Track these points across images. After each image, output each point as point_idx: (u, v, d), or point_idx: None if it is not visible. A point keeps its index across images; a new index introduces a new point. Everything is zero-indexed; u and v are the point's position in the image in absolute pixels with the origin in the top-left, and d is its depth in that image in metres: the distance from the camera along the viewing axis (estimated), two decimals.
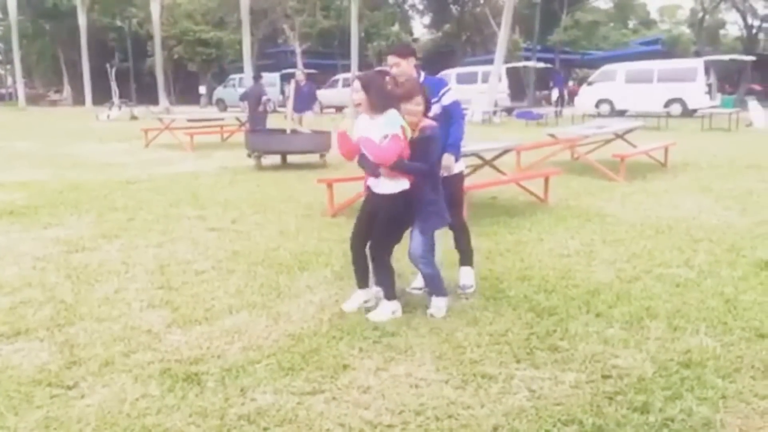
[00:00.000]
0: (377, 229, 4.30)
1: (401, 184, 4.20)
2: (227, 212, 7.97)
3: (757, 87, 32.02)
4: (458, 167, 4.86)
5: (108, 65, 38.96)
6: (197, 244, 6.42)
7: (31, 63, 53.21)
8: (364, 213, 4.48)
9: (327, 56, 49.39)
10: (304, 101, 14.37)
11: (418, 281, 4.84)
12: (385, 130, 4.11)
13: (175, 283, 5.16)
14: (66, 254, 6.04)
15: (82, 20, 41.47)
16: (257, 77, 16.08)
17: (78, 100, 46.42)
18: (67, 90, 51.52)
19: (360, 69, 32.56)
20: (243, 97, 16.27)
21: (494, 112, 26.40)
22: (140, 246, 6.34)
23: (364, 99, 4.20)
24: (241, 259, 5.85)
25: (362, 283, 4.54)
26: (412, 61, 4.67)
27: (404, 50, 4.70)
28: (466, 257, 5.02)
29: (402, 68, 4.60)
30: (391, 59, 4.65)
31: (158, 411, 3.18)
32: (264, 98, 14.76)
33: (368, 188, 4.46)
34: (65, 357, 3.78)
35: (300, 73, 15.03)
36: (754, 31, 44.72)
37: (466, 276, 4.95)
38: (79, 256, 6.00)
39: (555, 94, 32.74)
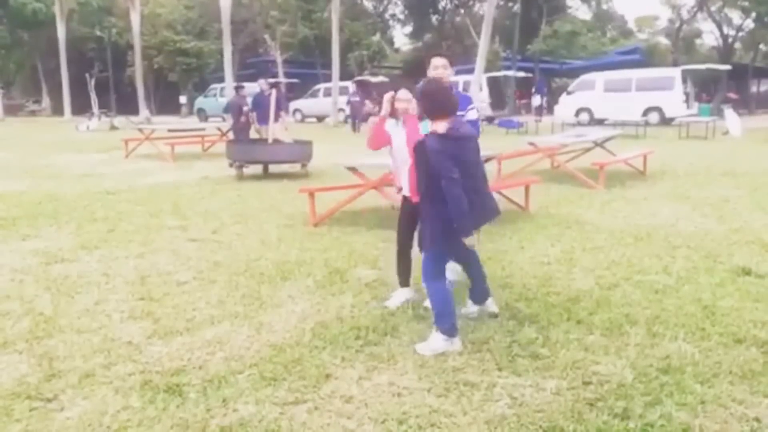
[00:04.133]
0: None
1: None
2: (208, 223, 7.94)
3: (733, 96, 32.43)
4: None
5: (87, 75, 38.69)
6: (178, 254, 6.39)
7: (10, 73, 52.56)
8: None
9: (308, 66, 49.37)
10: (267, 112, 13.78)
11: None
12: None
13: (156, 294, 5.13)
14: (45, 266, 5.99)
15: (61, 30, 41.13)
16: (239, 88, 15.91)
17: (57, 110, 45.98)
18: (46, 100, 51.02)
19: (341, 78, 32.63)
20: (227, 109, 16.13)
21: None
22: (120, 257, 6.30)
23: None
24: (222, 269, 5.83)
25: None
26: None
27: (451, 58, 4.81)
28: None
29: (447, 73, 4.69)
30: (441, 61, 4.70)
31: (139, 423, 3.16)
32: (245, 109, 14.68)
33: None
34: (44, 369, 3.75)
35: (263, 82, 14.67)
36: (729, 40, 45.41)
37: None
38: (59, 267, 5.95)
39: (537, 100, 33.24)
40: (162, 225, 7.84)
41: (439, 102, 3.95)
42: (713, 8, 43.32)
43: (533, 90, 35.45)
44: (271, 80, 15.43)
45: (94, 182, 11.82)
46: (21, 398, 3.41)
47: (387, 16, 56.87)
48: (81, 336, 4.26)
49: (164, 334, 4.28)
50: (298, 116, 35.63)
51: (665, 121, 26.05)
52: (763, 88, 44.01)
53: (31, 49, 50.44)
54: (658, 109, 26.73)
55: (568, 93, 30.26)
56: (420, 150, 3.89)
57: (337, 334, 4.18)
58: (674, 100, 26.57)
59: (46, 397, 3.43)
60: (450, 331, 3.94)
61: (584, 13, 59.12)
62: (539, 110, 31.89)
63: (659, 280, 5.27)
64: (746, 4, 39.21)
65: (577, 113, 28.61)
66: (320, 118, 35.14)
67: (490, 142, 18.70)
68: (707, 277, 5.33)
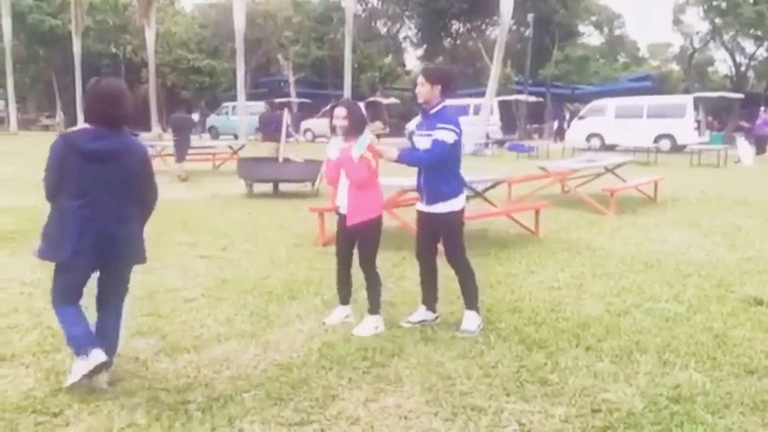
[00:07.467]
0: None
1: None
2: (218, 240, 7.95)
3: (745, 124, 32.37)
4: (455, 205, 4.71)
5: None
6: (187, 271, 6.39)
7: (25, 88, 53.14)
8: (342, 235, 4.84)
9: (320, 86, 49.66)
10: (271, 130, 13.81)
11: (416, 315, 4.87)
12: (356, 153, 4.45)
13: (163, 310, 5.12)
14: None
15: (76, 46, 41.55)
16: (188, 108, 15.95)
17: (70, 125, 46.01)
18: (59, 115, 51.40)
19: (353, 99, 32.81)
20: (172, 123, 16.02)
21: (486, 144, 26.60)
22: None
23: (346, 124, 4.48)
24: (230, 287, 5.82)
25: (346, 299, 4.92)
26: (438, 89, 4.59)
27: (432, 75, 4.63)
28: (468, 300, 4.76)
29: (425, 91, 4.58)
30: (419, 78, 4.65)
31: None
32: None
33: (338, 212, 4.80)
34: (51, 384, 3.74)
35: (265, 103, 14.82)
36: (742, 68, 45.41)
37: (468, 320, 4.68)
38: None
39: (555, 124, 33.85)
40: (171, 241, 7.84)
41: (95, 102, 3.77)
42: (726, 37, 43.32)
43: (550, 115, 36.01)
44: (282, 100, 15.55)
45: None
46: (27, 412, 3.40)
47: (400, 38, 57.19)
48: None
49: (171, 351, 4.27)
50: (309, 136, 35.81)
51: (677, 149, 26.00)
52: None
53: (47, 65, 51.00)
54: (670, 136, 26.68)
55: (580, 118, 30.33)
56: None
57: (344, 355, 4.16)
58: (686, 128, 26.55)
59: (52, 411, 3.41)
60: (83, 349, 3.53)
61: (596, 39, 59.36)
62: (558, 133, 32.41)
63: (670, 308, 5.22)
64: (759, 33, 39.25)
65: (588, 138, 28.63)
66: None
67: (500, 166, 18.75)
68: (719, 306, 5.28)
